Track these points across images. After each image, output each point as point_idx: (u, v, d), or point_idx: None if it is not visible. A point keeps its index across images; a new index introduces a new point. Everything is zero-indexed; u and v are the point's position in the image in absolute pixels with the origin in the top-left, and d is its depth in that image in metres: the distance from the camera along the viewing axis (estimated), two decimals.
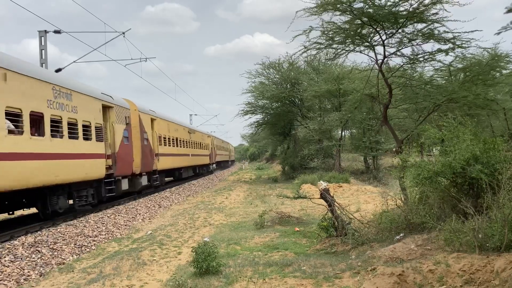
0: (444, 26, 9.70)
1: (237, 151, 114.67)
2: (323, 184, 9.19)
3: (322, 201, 9.25)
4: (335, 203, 8.95)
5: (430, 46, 10.54)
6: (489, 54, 11.77)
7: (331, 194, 9.23)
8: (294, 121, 32.79)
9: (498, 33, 4.69)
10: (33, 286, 7.33)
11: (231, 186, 26.95)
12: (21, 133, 10.72)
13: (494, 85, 12.66)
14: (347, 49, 10.99)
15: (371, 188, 19.19)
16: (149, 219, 14.92)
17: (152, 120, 22.79)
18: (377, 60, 10.84)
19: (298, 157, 31.44)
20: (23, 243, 9.62)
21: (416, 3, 9.35)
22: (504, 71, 13.20)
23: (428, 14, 9.60)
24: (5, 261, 8.35)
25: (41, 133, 11.66)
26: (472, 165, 6.39)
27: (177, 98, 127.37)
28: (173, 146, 27.45)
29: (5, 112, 10.16)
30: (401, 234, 7.48)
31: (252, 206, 16.35)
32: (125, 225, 13.33)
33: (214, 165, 50.35)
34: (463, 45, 9.94)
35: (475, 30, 9.57)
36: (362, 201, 15.04)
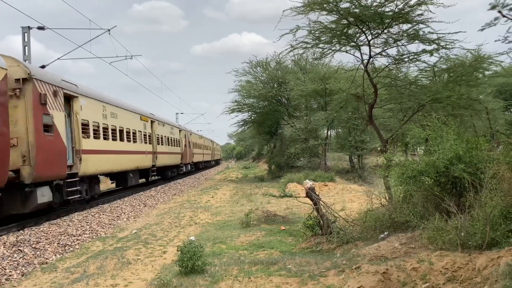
0: (429, 27, 9.85)
1: (223, 150, 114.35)
2: (309, 183, 9.23)
3: (307, 200, 9.30)
4: (320, 201, 8.99)
5: (415, 46, 10.66)
6: (473, 55, 11.95)
7: (317, 193, 9.28)
8: (281, 120, 32.85)
9: (482, 30, 4.73)
10: (14, 286, 7.20)
11: (217, 185, 26.88)
12: None
13: (477, 86, 12.88)
14: (333, 48, 11.06)
15: (356, 187, 19.32)
16: (134, 218, 14.79)
17: (70, 97, 14.72)
18: (362, 60, 10.93)
19: (284, 156, 31.49)
20: (4, 243, 9.45)
21: (402, 4, 9.46)
22: (486, 72, 13.43)
23: (413, 15, 9.72)
24: None
25: None
26: (455, 164, 6.48)
27: (164, 97, 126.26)
28: (113, 139, 18.86)
29: None
30: (386, 233, 7.56)
31: (238, 205, 16.32)
32: (110, 224, 13.20)
33: (189, 166, 39.85)
34: (447, 46, 10.11)
35: (459, 32, 9.73)
36: (347, 200, 15.13)
